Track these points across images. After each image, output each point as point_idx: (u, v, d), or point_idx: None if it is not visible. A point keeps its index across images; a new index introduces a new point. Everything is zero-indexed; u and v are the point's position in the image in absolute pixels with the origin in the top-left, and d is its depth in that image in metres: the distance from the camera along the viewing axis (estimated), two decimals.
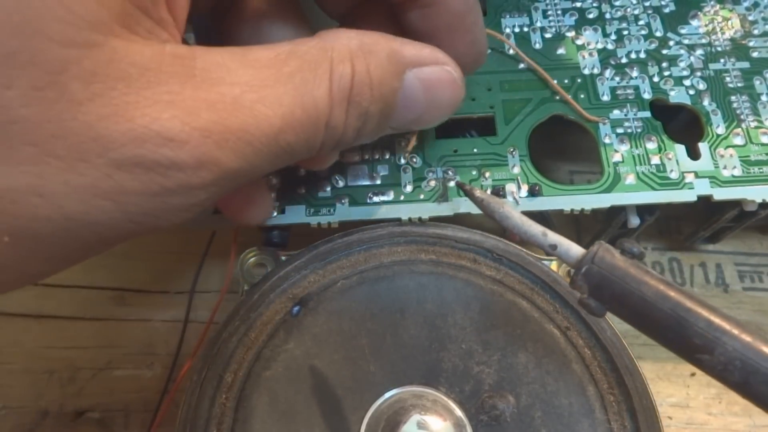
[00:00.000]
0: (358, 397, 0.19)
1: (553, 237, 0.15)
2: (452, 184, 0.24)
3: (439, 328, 0.21)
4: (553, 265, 0.22)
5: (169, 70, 0.14)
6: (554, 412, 0.19)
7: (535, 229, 0.16)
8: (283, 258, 0.23)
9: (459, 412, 0.19)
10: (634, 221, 0.24)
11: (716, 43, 0.26)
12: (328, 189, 0.24)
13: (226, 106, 0.15)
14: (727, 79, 0.25)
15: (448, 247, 0.22)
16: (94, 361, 0.27)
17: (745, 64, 0.26)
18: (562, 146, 0.30)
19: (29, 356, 0.28)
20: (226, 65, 0.15)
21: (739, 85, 0.25)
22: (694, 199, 0.23)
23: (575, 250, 0.15)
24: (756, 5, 0.27)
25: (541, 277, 0.21)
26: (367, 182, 0.24)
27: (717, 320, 0.13)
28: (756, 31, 0.26)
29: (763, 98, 0.25)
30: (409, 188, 0.24)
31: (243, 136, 0.15)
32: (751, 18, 0.27)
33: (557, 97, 0.25)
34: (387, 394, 0.19)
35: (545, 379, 0.20)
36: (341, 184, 0.24)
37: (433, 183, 0.24)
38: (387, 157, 0.25)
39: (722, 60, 0.26)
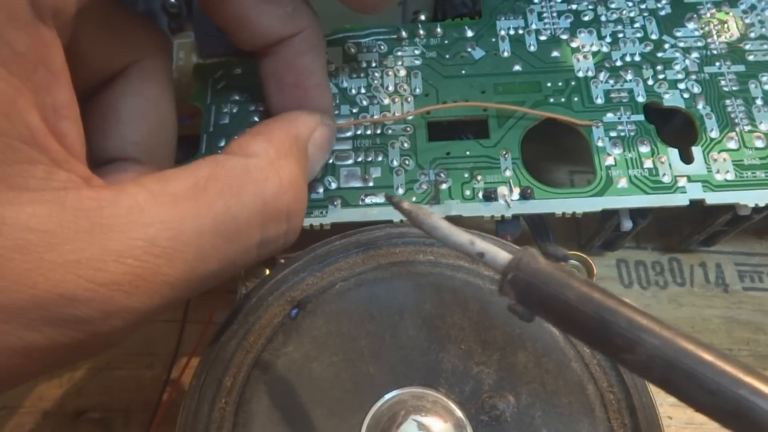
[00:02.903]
0: (358, 399, 0.19)
1: (481, 245, 0.15)
2: (444, 186, 0.24)
3: (438, 328, 0.21)
4: None
5: (73, 227, 0.14)
6: (554, 411, 0.19)
7: (463, 238, 0.16)
8: (281, 261, 0.23)
9: (459, 413, 0.19)
10: (627, 225, 0.24)
11: (712, 46, 0.26)
12: (321, 191, 0.24)
13: (138, 254, 0.14)
14: (722, 82, 0.25)
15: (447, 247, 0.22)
16: (94, 361, 0.27)
17: (741, 68, 0.26)
18: (560, 147, 0.30)
19: None
20: (139, 206, 0.15)
21: (734, 88, 0.25)
22: (686, 203, 0.23)
23: (502, 257, 0.15)
24: (752, 8, 0.27)
25: None
26: (359, 184, 0.24)
27: (638, 319, 0.13)
28: (752, 35, 0.26)
29: (758, 102, 0.25)
30: (401, 191, 0.24)
31: (155, 278, 0.14)
32: (747, 21, 0.27)
33: (551, 100, 0.25)
34: (387, 396, 0.19)
35: (545, 379, 0.20)
36: (334, 185, 0.24)
37: (425, 186, 0.24)
38: (380, 159, 0.25)
39: (717, 63, 0.26)
